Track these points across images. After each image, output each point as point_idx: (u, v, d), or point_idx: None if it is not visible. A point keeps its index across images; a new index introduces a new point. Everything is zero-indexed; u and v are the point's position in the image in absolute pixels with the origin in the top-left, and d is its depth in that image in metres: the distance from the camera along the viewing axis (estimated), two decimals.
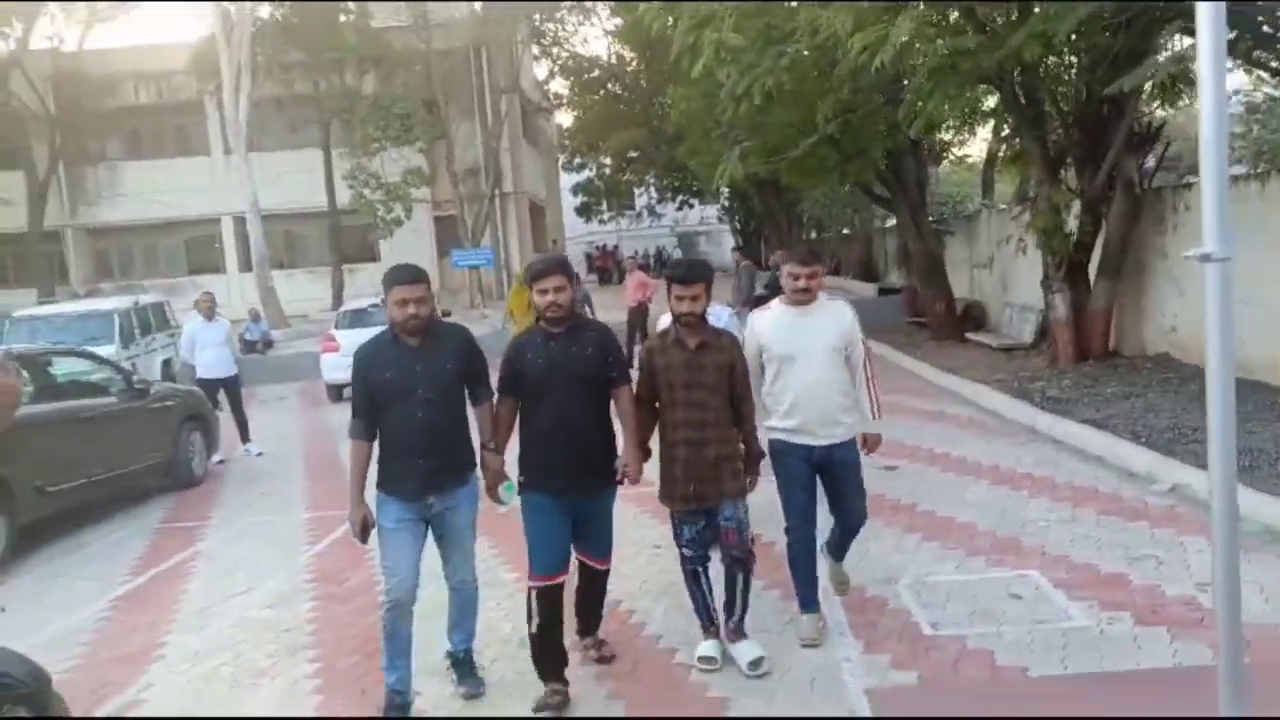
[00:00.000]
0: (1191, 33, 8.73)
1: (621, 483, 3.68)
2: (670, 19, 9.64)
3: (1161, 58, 6.59)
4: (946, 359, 12.02)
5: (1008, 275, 14.02)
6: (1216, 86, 2.25)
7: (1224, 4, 2.26)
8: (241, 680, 4.06)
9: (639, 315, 13.64)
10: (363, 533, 3.50)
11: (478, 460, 3.67)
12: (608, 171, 35.39)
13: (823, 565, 4.19)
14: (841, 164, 12.76)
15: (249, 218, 20.48)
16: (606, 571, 3.89)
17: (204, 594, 5.30)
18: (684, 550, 3.81)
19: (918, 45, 6.88)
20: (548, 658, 3.59)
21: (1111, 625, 3.90)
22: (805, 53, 7.82)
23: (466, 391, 3.65)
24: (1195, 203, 9.47)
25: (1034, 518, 5.44)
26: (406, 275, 3.54)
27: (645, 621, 4.34)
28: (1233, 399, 2.33)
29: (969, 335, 13.63)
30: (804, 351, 3.88)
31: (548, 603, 3.54)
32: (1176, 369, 9.36)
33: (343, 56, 21.92)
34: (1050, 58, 9.32)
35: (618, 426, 3.72)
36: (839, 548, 4.26)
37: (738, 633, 3.80)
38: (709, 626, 3.81)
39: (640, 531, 5.53)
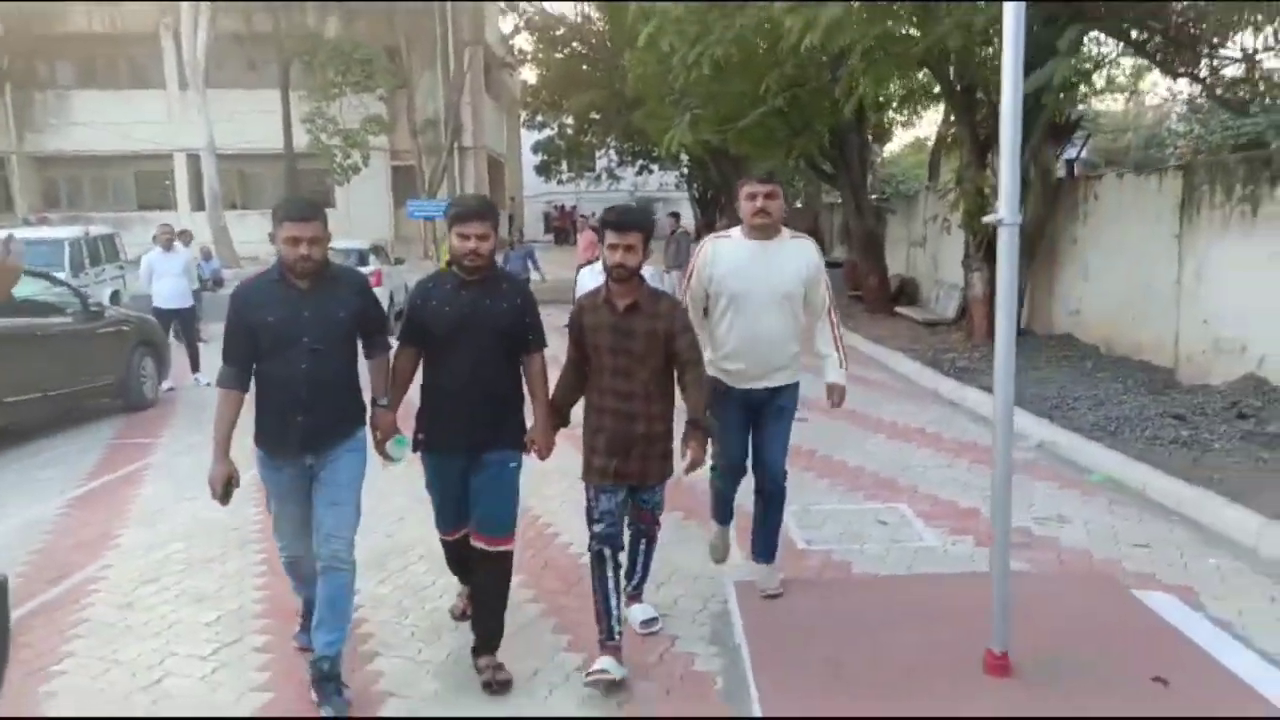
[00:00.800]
0: (1103, 31, 9.42)
1: (527, 453, 3.38)
2: None
3: (1058, 58, 7.17)
4: (875, 330, 12.73)
5: (939, 254, 14.75)
6: (1014, 82, 2.81)
7: (1024, 4, 2.80)
8: (194, 565, 4.54)
9: None
10: (224, 493, 3.13)
11: (367, 417, 3.32)
12: (569, 132, 35.46)
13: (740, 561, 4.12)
14: (789, 137, 13.29)
15: (204, 156, 20.40)
16: (505, 555, 3.34)
17: (156, 498, 5.74)
18: (594, 526, 3.32)
19: (854, 26, 7.38)
20: (458, 569, 3.69)
21: (955, 546, 4.57)
22: (746, 27, 8.27)
23: (360, 343, 3.31)
24: (1104, 192, 10.25)
25: (915, 464, 6.10)
26: (299, 210, 3.09)
27: (560, 532, 4.82)
28: (1013, 342, 2.92)
29: (899, 309, 14.36)
30: (757, 292, 3.54)
31: (455, 547, 3.56)
32: (1077, 347, 10.14)
33: None
34: (984, 48, 9.94)
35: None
36: (765, 537, 3.88)
37: (634, 597, 3.67)
38: (607, 641, 3.26)
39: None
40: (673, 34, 8.67)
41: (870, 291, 14.72)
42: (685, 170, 35.37)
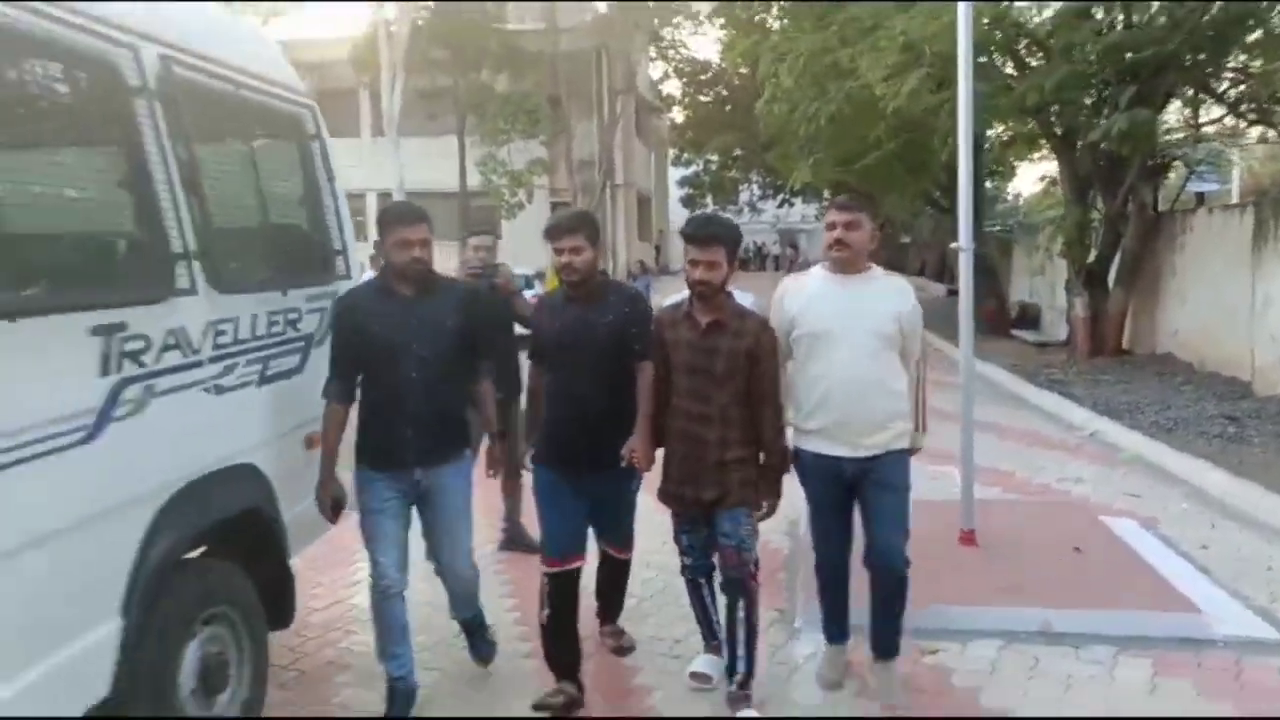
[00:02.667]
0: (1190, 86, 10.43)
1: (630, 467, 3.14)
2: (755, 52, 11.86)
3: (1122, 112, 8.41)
4: (988, 349, 13.80)
5: (1056, 282, 15.63)
6: (966, 95, 4.36)
7: (972, 4, 4.34)
8: None
9: None
10: (333, 512, 3.10)
11: (471, 443, 3.30)
12: (713, 167, 37.52)
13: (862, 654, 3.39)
14: (906, 175, 14.65)
15: (394, 194, 23.53)
16: (628, 562, 3.52)
17: None
18: (683, 558, 3.28)
19: (929, 93, 8.86)
20: (558, 650, 3.21)
21: (995, 497, 5.96)
22: (853, 88, 9.87)
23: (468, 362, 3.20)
24: (1197, 225, 11.14)
25: (985, 447, 7.45)
26: (409, 214, 3.08)
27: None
28: (972, 331, 4.46)
29: (1015, 332, 15.32)
30: (844, 330, 3.04)
31: (559, 591, 3.16)
32: (1173, 365, 11.02)
33: (481, 57, 24.75)
34: (1082, 95, 11.08)
35: None
36: (882, 630, 3.22)
37: (738, 698, 3.10)
38: (710, 639, 3.34)
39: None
40: (783, 101, 10.37)
41: (988, 315, 15.73)
42: (826, 203, 36.70)
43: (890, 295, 3.15)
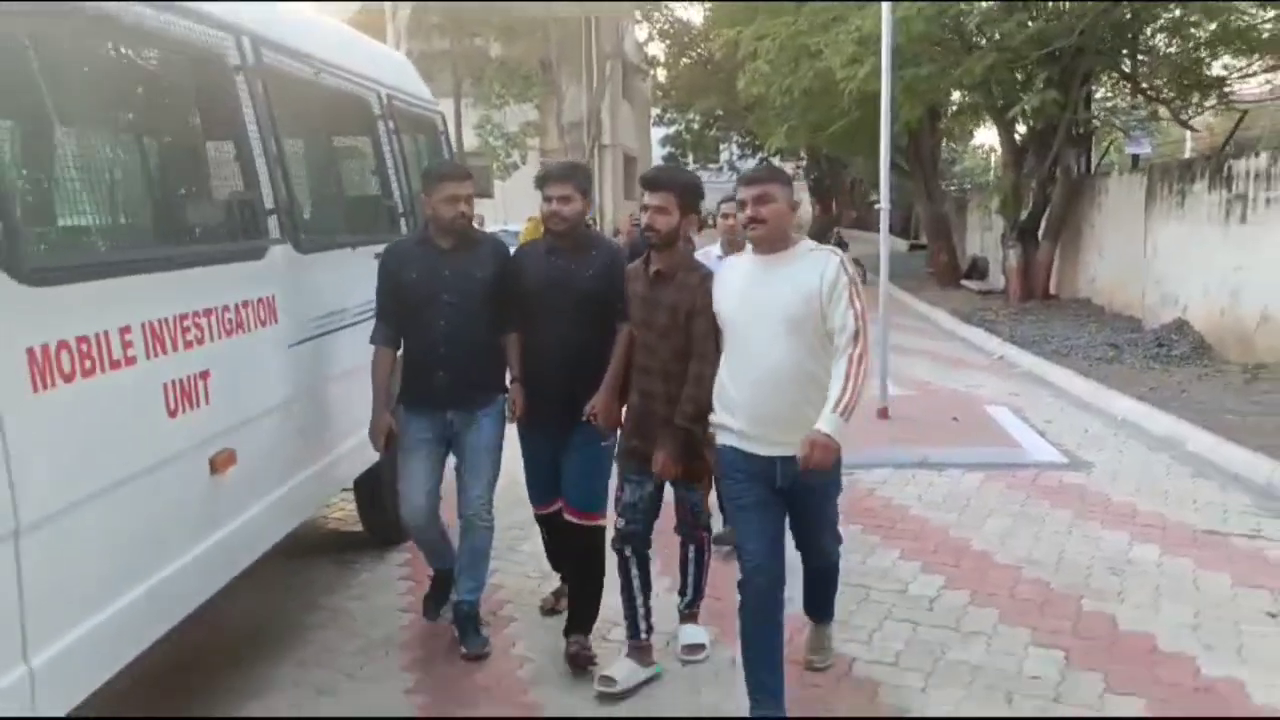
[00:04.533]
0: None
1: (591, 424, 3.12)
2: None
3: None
4: (937, 297, 15.74)
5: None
6: (888, 85, 6.21)
7: (892, 4, 6.18)
8: None
9: None
10: (385, 443, 3.32)
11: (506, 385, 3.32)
12: (695, 127, 39.03)
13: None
14: (869, 141, 16.41)
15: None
16: (592, 530, 3.22)
17: None
18: (619, 520, 3.13)
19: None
20: (557, 562, 3.65)
21: (913, 395, 7.89)
22: (816, 72, 11.65)
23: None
24: (1112, 187, 13.05)
25: (916, 367, 9.38)
26: (458, 171, 3.31)
27: None
28: (888, 279, 6.34)
29: (963, 282, 17.26)
30: (753, 318, 2.70)
31: (550, 527, 3.51)
32: (1089, 308, 12.99)
33: (476, 24, 26.13)
34: (1016, 72, 12.88)
35: None
36: (819, 601, 3.20)
37: (688, 617, 3.35)
38: (633, 635, 3.16)
39: None
40: (765, 81, 12.14)
41: (940, 267, 17.68)
42: (803, 162, 38.40)
43: (805, 272, 2.65)
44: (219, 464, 2.74)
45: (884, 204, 6.49)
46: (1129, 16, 11.09)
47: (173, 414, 2.50)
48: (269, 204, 3.10)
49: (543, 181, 3.24)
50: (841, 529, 3.12)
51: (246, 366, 2.90)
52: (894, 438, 6.17)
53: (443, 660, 3.35)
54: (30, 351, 1.98)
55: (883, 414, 6.59)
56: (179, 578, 2.51)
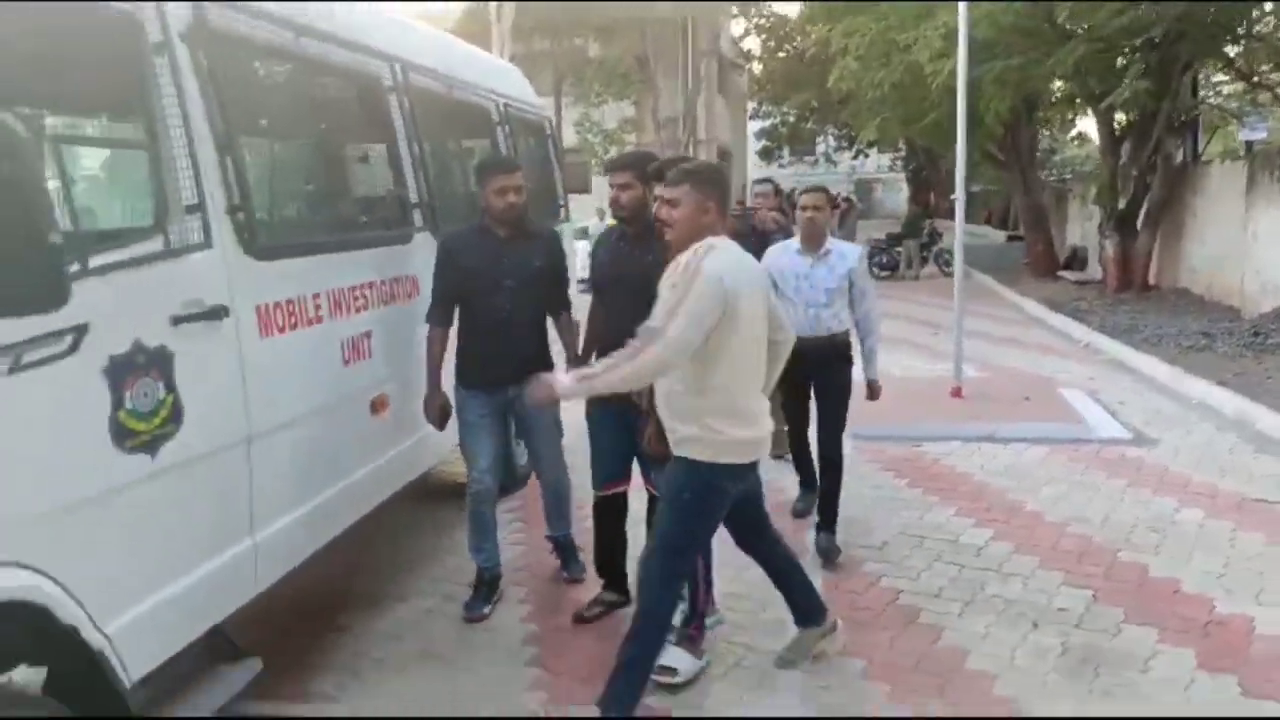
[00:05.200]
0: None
1: None
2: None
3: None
4: (1031, 288, 15.68)
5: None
6: (966, 82, 6.58)
7: (969, 4, 6.55)
8: None
9: None
10: (440, 419, 3.56)
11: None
12: (791, 119, 39.10)
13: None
14: (968, 130, 16.45)
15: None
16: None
17: None
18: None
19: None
20: (601, 562, 3.62)
21: (993, 377, 8.19)
22: (906, 66, 11.90)
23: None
24: (1214, 174, 12.84)
25: (1001, 353, 9.62)
26: (506, 164, 3.60)
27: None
28: (962, 265, 6.72)
29: (1060, 273, 17.10)
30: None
31: (607, 512, 3.53)
32: (1187, 297, 12.84)
33: (576, 25, 27.00)
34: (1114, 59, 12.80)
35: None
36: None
37: (681, 636, 3.16)
38: (683, 625, 3.16)
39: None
40: (853, 77, 12.46)
41: (1036, 258, 17.54)
42: (903, 154, 38.01)
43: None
44: (377, 406, 3.45)
45: (960, 195, 6.88)
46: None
47: (346, 364, 3.21)
48: (414, 199, 3.80)
49: (608, 168, 3.52)
50: (903, 491, 3.63)
51: (396, 331, 3.59)
52: (965, 414, 6.54)
53: (549, 583, 4.00)
54: (258, 308, 2.69)
55: (956, 393, 6.95)
56: (351, 490, 3.23)
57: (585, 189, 31.26)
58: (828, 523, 4.17)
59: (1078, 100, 16.28)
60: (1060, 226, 19.83)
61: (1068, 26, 11.86)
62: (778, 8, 34.77)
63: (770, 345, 2.87)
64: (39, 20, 2.01)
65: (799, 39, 34.15)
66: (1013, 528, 4.47)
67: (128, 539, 2.23)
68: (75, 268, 1.95)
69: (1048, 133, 21.67)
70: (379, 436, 3.50)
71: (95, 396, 2.09)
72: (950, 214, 32.85)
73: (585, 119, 26.69)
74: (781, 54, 34.55)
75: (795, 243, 4.34)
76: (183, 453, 2.36)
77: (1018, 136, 17.25)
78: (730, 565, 4.02)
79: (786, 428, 4.57)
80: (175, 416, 2.33)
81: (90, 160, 2.93)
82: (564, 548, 3.96)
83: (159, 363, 2.28)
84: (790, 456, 4.73)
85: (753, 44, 37.68)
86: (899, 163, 40.73)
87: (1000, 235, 23.29)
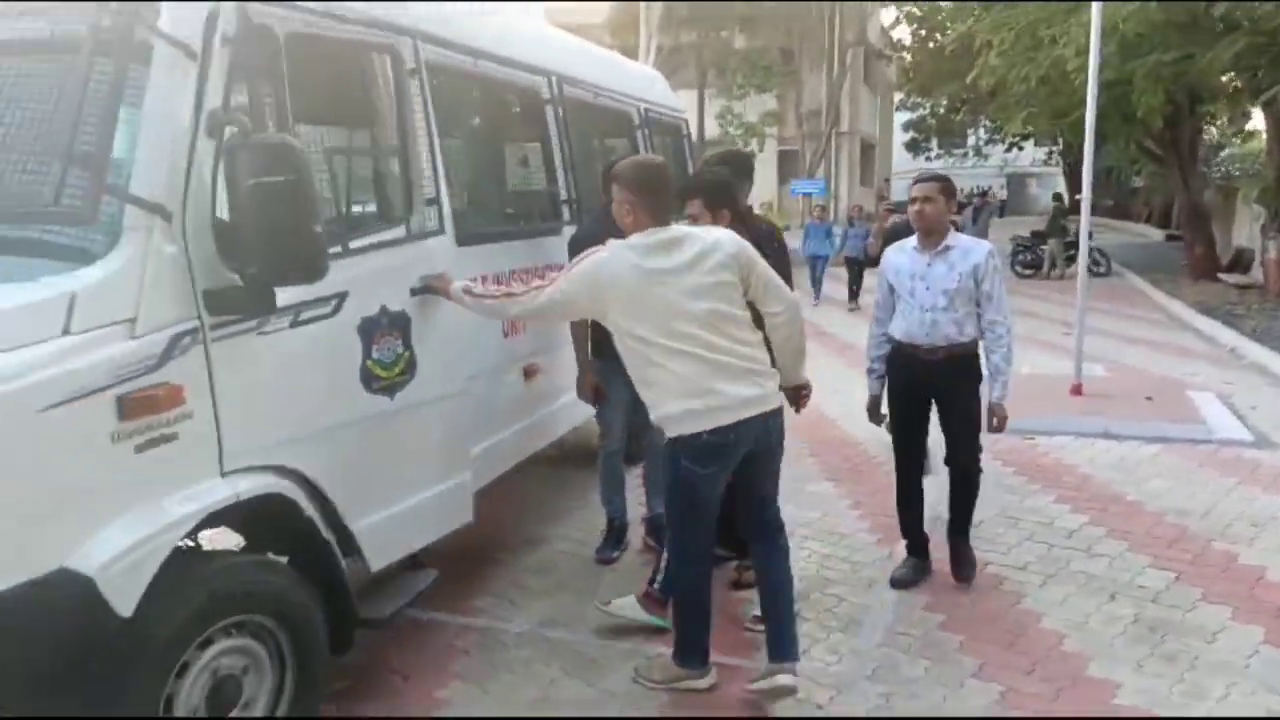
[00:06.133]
0: None
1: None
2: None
3: None
4: (1185, 291, 15.03)
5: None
6: (1096, 82, 6.66)
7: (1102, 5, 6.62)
8: None
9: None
10: (594, 396, 4.01)
11: None
12: (941, 111, 38.07)
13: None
14: (1118, 125, 15.88)
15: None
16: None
17: None
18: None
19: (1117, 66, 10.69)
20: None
21: (1120, 378, 8.18)
22: (1053, 60, 11.74)
23: None
24: None
25: (1136, 355, 9.48)
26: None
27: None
28: (1085, 271, 6.82)
29: (1221, 275, 16.24)
30: None
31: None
32: None
33: (722, 17, 27.39)
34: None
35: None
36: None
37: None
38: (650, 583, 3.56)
39: None
40: (994, 73, 12.39)
41: (1195, 259, 16.73)
42: (1059, 146, 36.38)
43: None
44: (529, 373, 4.09)
45: (1085, 193, 6.94)
46: None
47: (506, 336, 3.85)
48: (564, 196, 4.42)
49: (678, 195, 3.49)
50: (1008, 478, 3.91)
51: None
52: (1082, 410, 6.66)
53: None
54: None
55: (1076, 390, 7.04)
56: (511, 440, 3.92)
57: None
58: (961, 526, 3.93)
59: (1246, 94, 15.46)
60: (1225, 226, 18.75)
61: (1229, 19, 11.40)
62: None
63: (766, 317, 3.01)
64: (327, 57, 2.71)
65: (950, 28, 33.31)
66: (1109, 514, 4.68)
67: (371, 460, 2.90)
68: (337, 249, 2.62)
69: (1214, 128, 20.45)
70: (531, 400, 4.16)
71: (350, 348, 2.80)
72: (1109, 211, 31.30)
73: (727, 111, 27.07)
74: (932, 44, 33.68)
75: (914, 239, 3.90)
76: (414, 397, 3.03)
77: (1178, 131, 16.50)
78: (834, 531, 4.48)
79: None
80: (410, 369, 3.02)
81: (355, 163, 3.67)
82: (661, 527, 3.74)
83: (400, 324, 2.96)
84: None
85: (902, 33, 36.94)
86: (1056, 156, 38.97)
87: (1158, 234, 22.20)
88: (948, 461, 3.90)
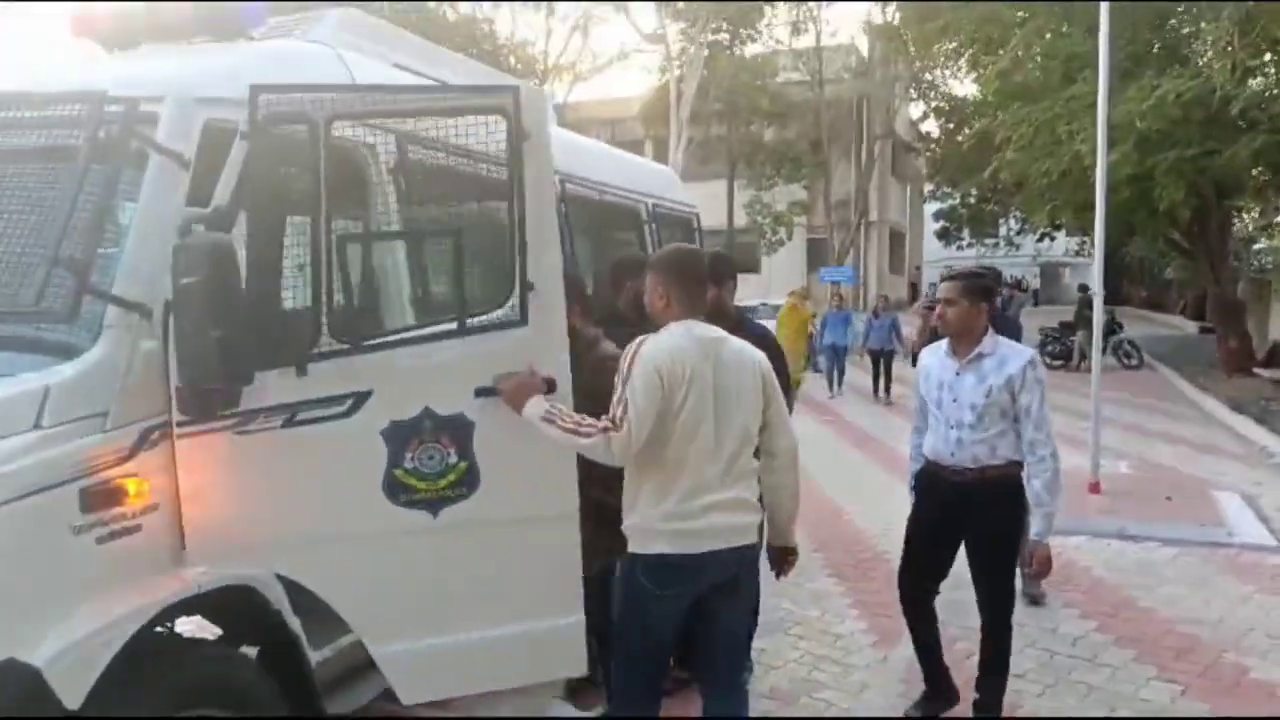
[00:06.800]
0: None
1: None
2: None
3: None
4: (1217, 385, 14.74)
5: None
6: (1105, 178, 6.74)
7: (1107, 101, 6.69)
8: None
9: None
10: None
11: None
12: (971, 201, 38.39)
13: None
14: (1144, 219, 15.89)
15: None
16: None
17: None
18: None
19: (1127, 166, 10.76)
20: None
21: (1143, 476, 8.00)
22: (1074, 155, 11.86)
23: None
24: None
25: (1159, 452, 9.27)
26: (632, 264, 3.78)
27: None
28: (1100, 363, 6.77)
29: (1258, 370, 15.94)
30: None
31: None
32: None
33: (753, 112, 28.12)
34: None
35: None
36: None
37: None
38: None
39: None
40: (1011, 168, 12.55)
41: (1229, 352, 16.46)
42: (1089, 237, 36.38)
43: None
44: None
45: (1097, 285, 6.99)
46: None
47: None
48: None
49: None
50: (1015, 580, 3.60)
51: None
52: (1099, 509, 6.50)
53: None
54: None
55: (1093, 488, 6.90)
56: None
57: (754, 269, 32.11)
58: (989, 703, 3.35)
59: (1272, 189, 15.46)
60: (1261, 320, 18.49)
61: (1247, 115, 11.48)
62: (956, 88, 34.45)
63: (766, 456, 2.73)
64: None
65: (976, 122, 33.87)
66: (1118, 621, 4.53)
67: (404, 581, 2.64)
68: (333, 346, 2.49)
69: (1245, 220, 20.37)
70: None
71: (368, 453, 2.57)
72: (1142, 303, 30.94)
73: (756, 201, 27.55)
74: (960, 137, 34.21)
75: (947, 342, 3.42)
76: (474, 515, 2.66)
77: (1206, 225, 16.45)
78: (830, 632, 4.38)
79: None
80: (466, 482, 2.66)
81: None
82: None
83: (453, 430, 2.61)
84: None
85: (930, 126, 37.62)
86: (1087, 247, 38.97)
87: (1193, 326, 21.94)
88: (982, 611, 3.42)
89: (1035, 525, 3.24)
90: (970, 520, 3.28)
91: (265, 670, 2.63)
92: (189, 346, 2.22)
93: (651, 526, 2.57)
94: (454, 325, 2.62)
